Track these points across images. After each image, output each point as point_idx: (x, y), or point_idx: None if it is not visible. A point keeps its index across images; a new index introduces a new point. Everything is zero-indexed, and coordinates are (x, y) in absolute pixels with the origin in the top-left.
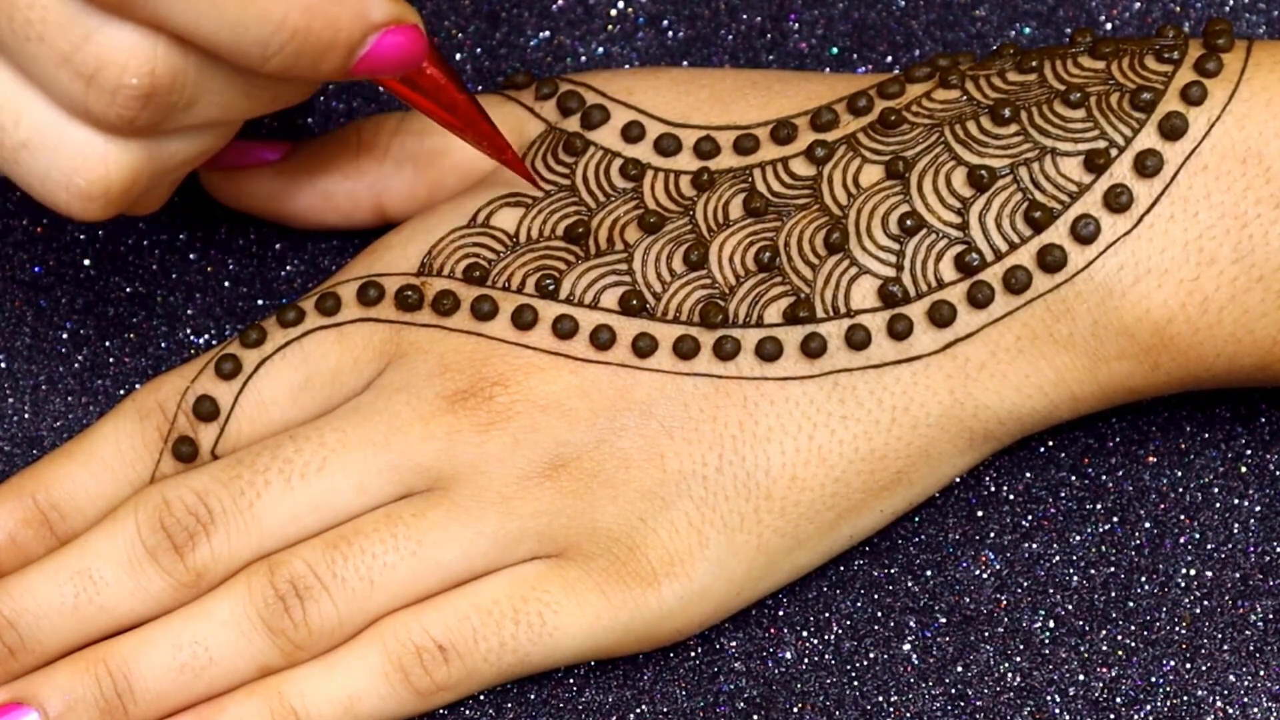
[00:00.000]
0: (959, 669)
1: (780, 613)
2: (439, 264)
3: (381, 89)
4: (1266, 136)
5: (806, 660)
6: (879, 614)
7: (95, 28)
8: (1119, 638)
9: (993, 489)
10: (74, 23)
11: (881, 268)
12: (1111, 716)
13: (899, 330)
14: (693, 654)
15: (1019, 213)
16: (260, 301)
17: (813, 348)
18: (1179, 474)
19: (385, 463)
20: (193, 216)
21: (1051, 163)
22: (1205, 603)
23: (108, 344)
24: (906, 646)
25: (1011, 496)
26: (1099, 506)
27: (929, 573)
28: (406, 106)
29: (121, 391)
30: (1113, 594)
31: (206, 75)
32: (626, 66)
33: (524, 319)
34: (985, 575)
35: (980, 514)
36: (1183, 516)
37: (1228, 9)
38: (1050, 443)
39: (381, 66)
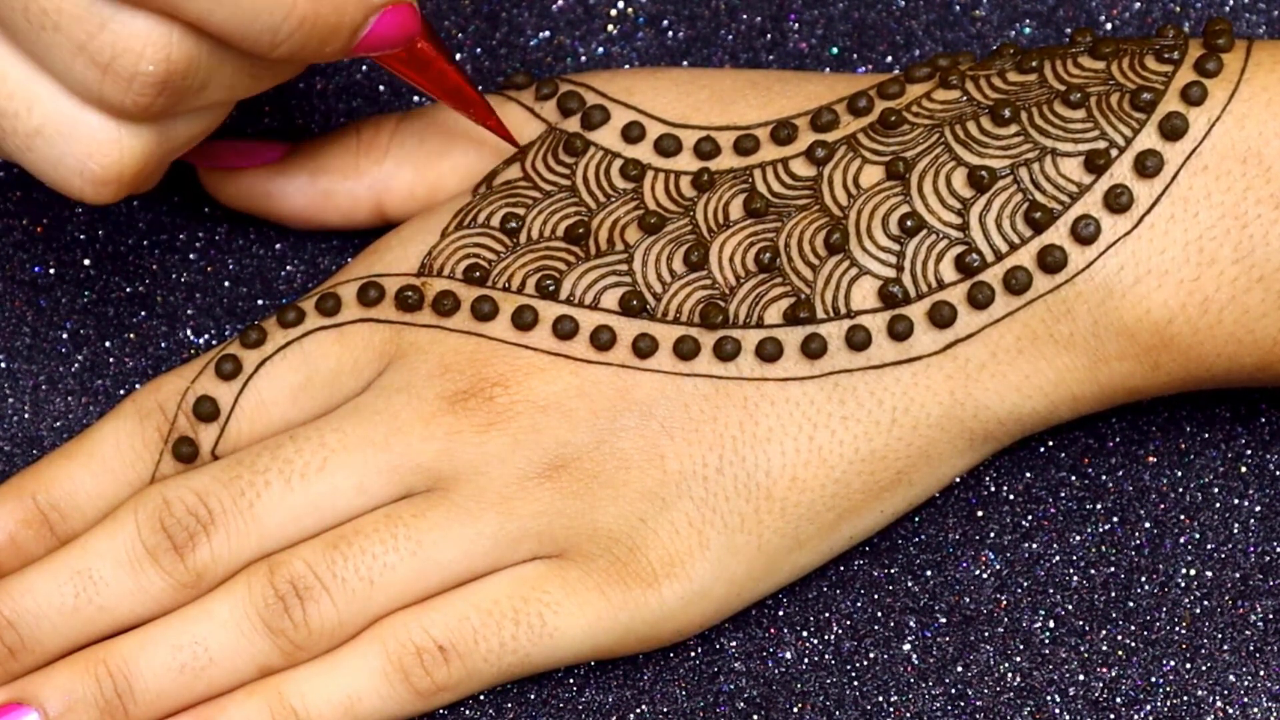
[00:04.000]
0: (959, 669)
1: (780, 613)
2: (439, 264)
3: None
4: (1267, 136)
5: (806, 660)
6: (879, 614)
7: (110, 16)
8: (1119, 638)
9: (993, 489)
10: (89, 11)
11: (882, 268)
12: (1111, 716)
13: (899, 331)
14: (693, 654)
15: (1019, 213)
16: (260, 301)
17: (813, 348)
18: (1179, 474)
19: (385, 463)
20: (193, 216)
21: (1052, 163)
22: (1205, 603)
23: (108, 344)
24: (906, 646)
25: (1011, 496)
26: (1099, 506)
27: (929, 573)
28: (407, 104)
29: (121, 391)
30: (1113, 594)
31: (216, 60)
32: (626, 66)
33: (524, 319)
34: (985, 575)
35: (980, 514)
36: (1183, 516)
37: (1228, 9)
38: (1050, 443)
39: (380, 44)
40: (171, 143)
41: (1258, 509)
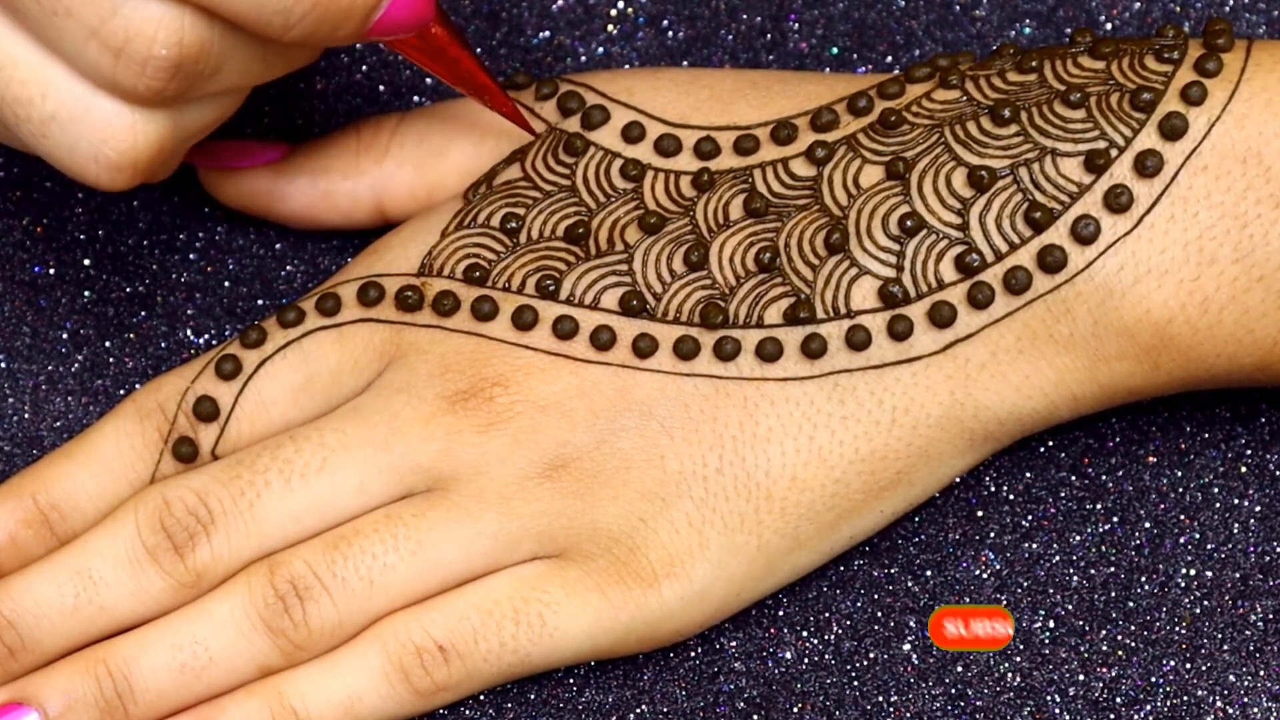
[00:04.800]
0: (959, 669)
1: (780, 613)
2: (439, 264)
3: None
4: (1266, 136)
5: (806, 660)
6: (879, 614)
7: (123, 1)
8: (1119, 638)
9: (993, 489)
10: None
11: (882, 268)
12: (1111, 716)
13: (899, 331)
14: (693, 654)
15: (1019, 213)
16: (260, 301)
17: (813, 348)
18: (1179, 474)
19: (385, 463)
20: (193, 216)
21: (1052, 163)
22: (1205, 603)
23: (108, 344)
24: (906, 646)
25: (1011, 496)
26: (1099, 506)
27: (929, 573)
28: (407, 104)
29: (121, 391)
30: (1113, 594)
31: (230, 44)
32: (626, 66)
33: (524, 319)
34: (985, 575)
35: (980, 514)
36: (1183, 516)
37: (1228, 9)
38: (1050, 443)
39: (394, 29)
40: (186, 129)
41: (1258, 509)
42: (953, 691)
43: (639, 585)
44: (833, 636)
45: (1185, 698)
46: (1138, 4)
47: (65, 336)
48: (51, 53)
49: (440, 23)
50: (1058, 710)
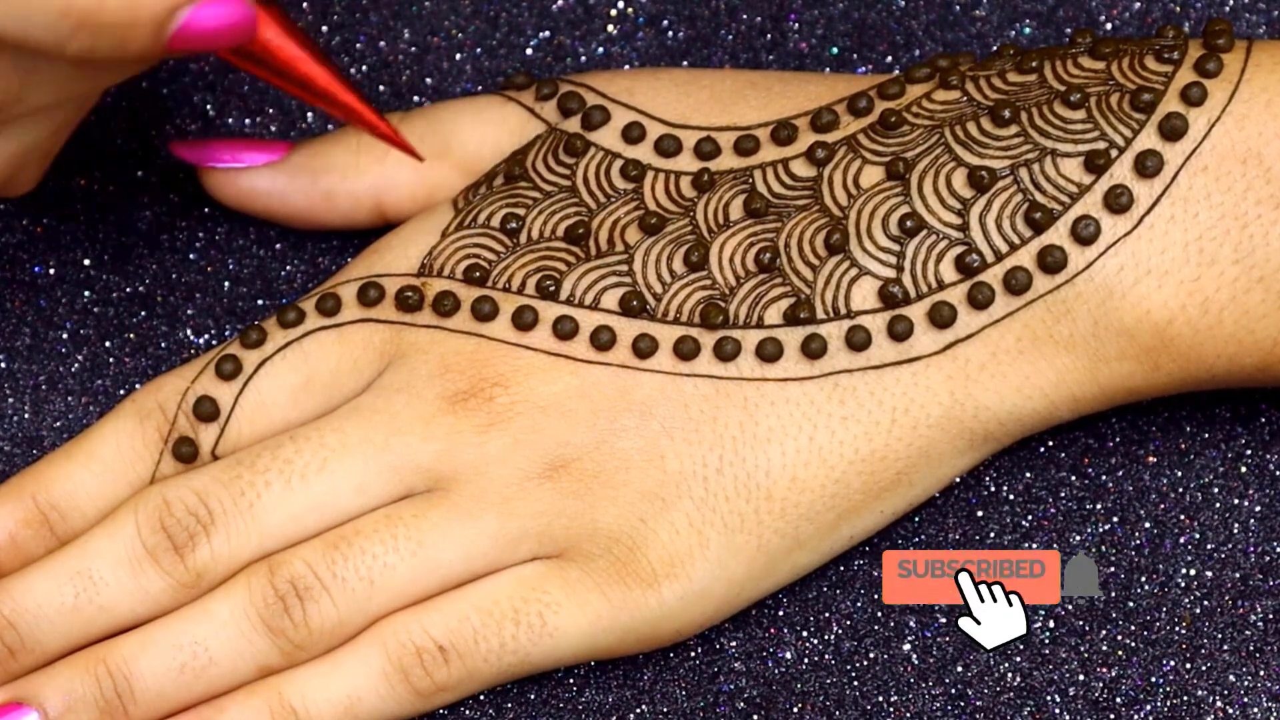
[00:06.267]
0: (959, 669)
1: (780, 613)
2: (439, 264)
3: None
4: (1266, 137)
5: (806, 660)
6: (879, 614)
7: None
8: (1119, 638)
9: (993, 489)
10: None
11: (882, 269)
12: (1111, 716)
13: (899, 331)
14: (693, 654)
15: (1019, 214)
16: (260, 301)
17: (813, 349)
18: (1179, 474)
19: (385, 463)
20: (193, 216)
21: (1052, 163)
22: (1205, 603)
23: (108, 344)
24: (906, 646)
25: (1011, 496)
26: (1099, 506)
27: None
28: (407, 104)
29: (121, 391)
30: (1113, 594)
31: (25, 67)
32: (626, 67)
33: (524, 320)
34: None
35: (980, 514)
36: (1183, 516)
37: (1228, 9)
38: (1050, 443)
39: (204, 42)
40: (17, 147)
41: (1258, 509)
42: (953, 691)
43: (639, 585)
44: (833, 636)
45: (1185, 698)
46: (1138, 4)
47: (65, 336)
48: None
49: (287, 33)
50: (1058, 710)
